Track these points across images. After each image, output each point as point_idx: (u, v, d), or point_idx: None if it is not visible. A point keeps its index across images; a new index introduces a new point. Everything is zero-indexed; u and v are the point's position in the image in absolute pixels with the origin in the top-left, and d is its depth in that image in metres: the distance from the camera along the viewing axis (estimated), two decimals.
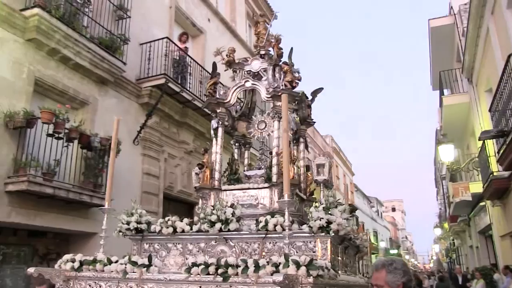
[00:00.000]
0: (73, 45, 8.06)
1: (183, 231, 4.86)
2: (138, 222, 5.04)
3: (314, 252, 4.32)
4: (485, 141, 10.64)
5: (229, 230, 4.59)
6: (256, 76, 5.83)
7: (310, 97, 6.23)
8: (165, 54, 10.23)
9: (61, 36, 7.79)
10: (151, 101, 9.95)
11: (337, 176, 29.91)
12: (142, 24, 10.50)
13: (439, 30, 15.92)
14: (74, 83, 8.37)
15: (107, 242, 4.73)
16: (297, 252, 4.31)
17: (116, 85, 9.38)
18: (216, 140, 5.68)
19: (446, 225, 30.72)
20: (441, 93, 15.68)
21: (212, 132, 5.81)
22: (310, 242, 4.41)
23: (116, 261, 4.13)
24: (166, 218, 5.01)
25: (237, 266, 3.52)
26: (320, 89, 6.29)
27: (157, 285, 3.84)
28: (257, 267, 3.43)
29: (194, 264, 3.68)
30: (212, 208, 4.72)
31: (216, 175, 5.46)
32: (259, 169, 5.78)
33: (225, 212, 4.58)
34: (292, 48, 5.77)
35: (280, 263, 3.46)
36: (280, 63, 5.72)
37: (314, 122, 6.44)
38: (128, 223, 5.03)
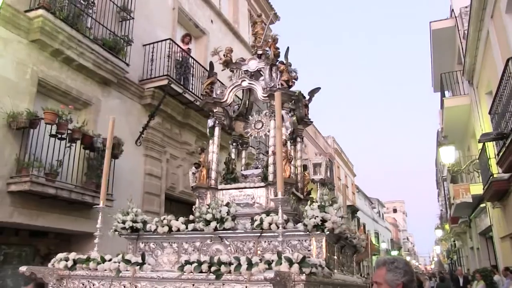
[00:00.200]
0: (77, 46, 8.13)
1: (178, 230, 4.83)
2: (134, 221, 5.01)
3: (309, 250, 4.29)
4: (485, 143, 10.68)
5: (224, 229, 4.57)
6: (254, 75, 5.81)
7: (307, 97, 6.23)
8: (168, 55, 10.29)
9: (64, 37, 7.86)
10: (154, 102, 10.02)
11: (338, 177, 29.88)
12: (145, 25, 10.57)
13: (440, 33, 15.93)
14: (77, 84, 8.44)
15: (105, 241, 4.73)
16: (292, 250, 4.25)
17: (119, 86, 9.44)
18: (213, 139, 5.66)
19: (447, 226, 30.62)
20: (442, 95, 15.70)
21: (208, 131, 5.79)
22: (305, 240, 4.37)
23: (110, 260, 4.11)
24: (162, 217, 4.99)
25: (230, 263, 3.51)
26: (318, 89, 6.29)
27: (150, 283, 3.82)
28: (250, 265, 3.41)
29: (187, 262, 3.66)
30: (207, 207, 4.70)
31: (213, 175, 5.44)
32: (256, 168, 5.75)
33: (220, 210, 4.56)
34: (288, 48, 5.74)
35: (273, 261, 3.45)
36: (277, 62, 5.69)
37: (312, 122, 6.43)
38: (123, 222, 5.01)
